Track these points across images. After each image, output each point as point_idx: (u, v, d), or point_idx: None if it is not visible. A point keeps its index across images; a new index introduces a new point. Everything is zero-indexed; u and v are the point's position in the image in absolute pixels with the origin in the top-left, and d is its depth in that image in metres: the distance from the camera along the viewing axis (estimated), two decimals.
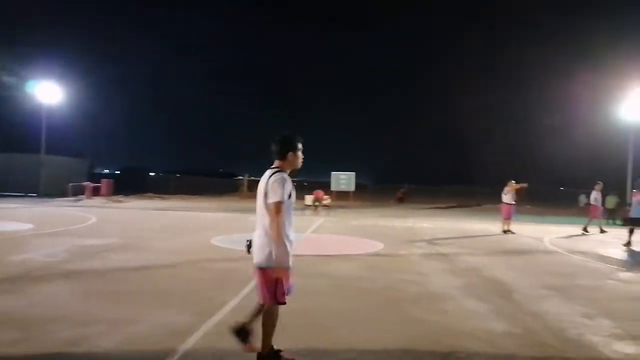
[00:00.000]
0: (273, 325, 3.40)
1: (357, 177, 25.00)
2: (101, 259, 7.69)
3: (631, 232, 11.56)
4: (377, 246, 10.34)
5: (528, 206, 27.33)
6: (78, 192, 26.48)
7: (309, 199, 21.03)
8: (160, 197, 29.71)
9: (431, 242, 11.48)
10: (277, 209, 3.17)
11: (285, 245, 3.23)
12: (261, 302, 3.39)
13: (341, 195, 27.33)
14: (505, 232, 13.89)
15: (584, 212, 25.28)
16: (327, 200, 20.92)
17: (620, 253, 10.60)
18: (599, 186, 14.77)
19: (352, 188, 24.88)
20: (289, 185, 3.25)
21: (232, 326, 3.49)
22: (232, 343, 3.95)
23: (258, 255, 3.32)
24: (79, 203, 22.79)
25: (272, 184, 3.21)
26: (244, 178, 35.32)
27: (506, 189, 14.35)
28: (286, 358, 3.47)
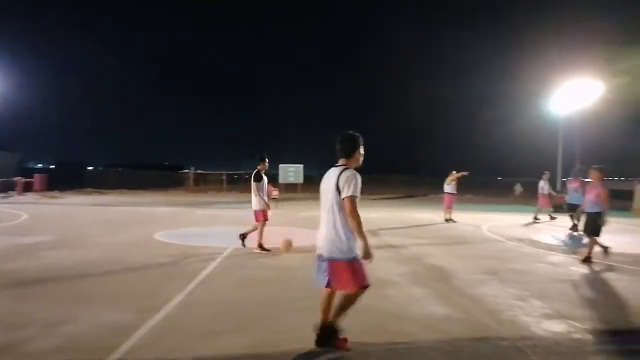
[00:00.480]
0: (349, 307, 3.65)
1: (305, 169, 25.07)
2: (34, 257, 7.26)
3: (572, 217, 12.34)
4: None
5: (469, 195, 28.57)
6: (8, 187, 24.77)
7: None
8: (99, 192, 28.36)
9: (378, 231, 11.74)
10: (352, 203, 3.40)
11: (353, 235, 3.43)
12: (339, 290, 3.59)
13: (290, 188, 27.33)
14: (447, 220, 14.45)
15: (519, 200, 26.85)
16: (275, 192, 20.84)
17: (550, 238, 11.33)
18: (546, 176, 15.66)
19: (301, 180, 24.89)
20: (360, 181, 3.47)
21: (317, 329, 3.71)
22: (177, 339, 3.88)
23: (329, 249, 3.49)
24: (9, 199, 21.34)
25: (345, 180, 3.42)
26: (190, 171, 34.39)
27: (448, 179, 14.92)
28: (340, 338, 3.70)
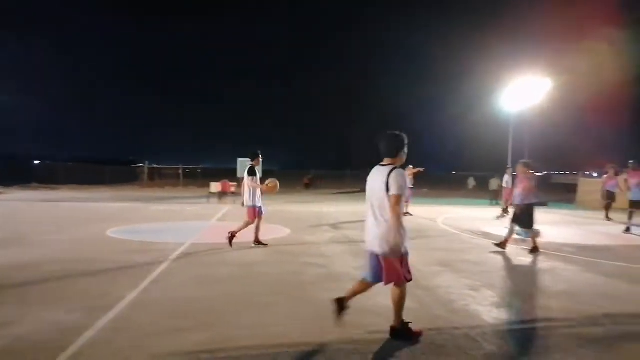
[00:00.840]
0: (404, 301, 3.85)
1: (264, 163, 24.84)
2: None
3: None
4: (284, 232, 10.43)
5: (425, 189, 29.28)
6: None
7: (214, 186, 20.52)
8: (48, 188, 27.05)
9: (336, 226, 11.84)
10: (397, 201, 3.55)
11: (402, 232, 3.58)
12: (388, 283, 3.74)
13: None
14: (404, 214, 14.75)
15: (472, 194, 27.79)
16: (233, 188, 20.57)
17: (502, 230, 11.80)
18: (509, 170, 16.25)
19: (260, 174, 24.75)
20: (407, 180, 3.70)
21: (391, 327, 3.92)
22: (130, 339, 3.77)
23: (380, 244, 3.61)
24: None
25: (394, 179, 3.55)
26: (144, 166, 33.35)
27: (405, 173, 15.24)
28: (414, 330, 3.90)
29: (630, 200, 11.55)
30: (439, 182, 36.76)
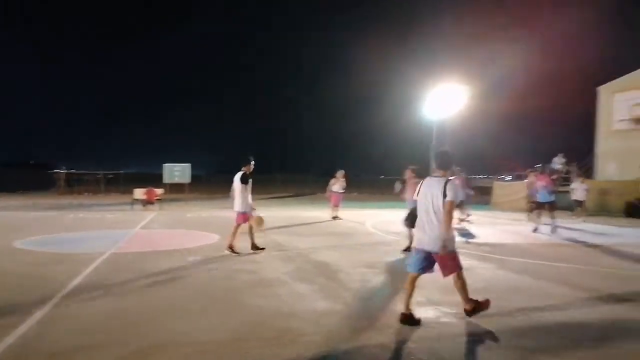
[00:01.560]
0: (466, 285, 4.54)
1: (193, 168, 24.08)
2: None
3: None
4: (213, 238, 10.18)
5: (354, 193, 29.95)
6: None
7: (138, 192, 19.54)
8: None
9: (266, 231, 11.75)
10: (451, 207, 4.23)
11: (454, 232, 4.43)
12: (448, 276, 4.47)
13: (177, 188, 26.16)
14: (334, 218, 14.99)
15: (400, 198, 28.80)
16: (159, 194, 19.73)
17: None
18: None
19: (188, 180, 23.86)
20: (460, 190, 4.58)
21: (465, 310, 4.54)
22: (39, 358, 3.49)
23: (437, 244, 4.26)
24: None
25: (450, 188, 4.25)
26: (61, 171, 31.01)
27: (333, 179, 15.51)
28: (482, 302, 4.55)
29: (537, 202, 12.55)
30: (368, 186, 37.76)
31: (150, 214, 16.20)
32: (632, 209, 16.69)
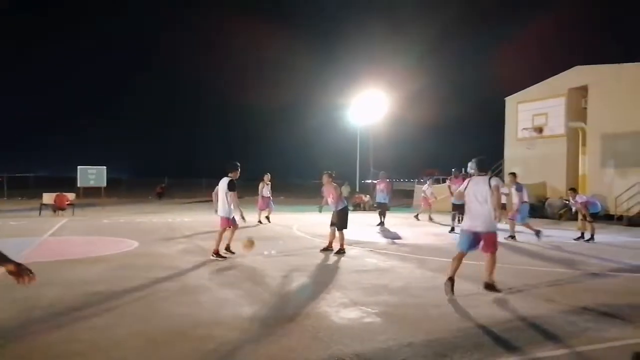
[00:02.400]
0: (495, 264, 5.91)
1: (110, 171, 22.68)
2: None
3: (380, 214, 14.56)
4: (131, 245, 9.67)
5: (282, 197, 29.92)
6: None
7: (47, 197, 18.02)
8: None
9: (190, 236, 11.39)
10: (498, 190, 5.69)
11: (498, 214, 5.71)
12: (490, 252, 5.81)
13: (93, 192, 24.50)
14: (260, 222, 14.86)
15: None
16: (71, 199, 18.31)
17: (351, 234, 12.63)
18: (430, 181, 17.54)
19: (104, 183, 22.40)
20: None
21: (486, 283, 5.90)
22: None
23: (488, 226, 5.66)
24: None
25: (494, 180, 5.74)
26: None
27: (262, 183, 15.41)
28: (496, 290, 5.83)
29: (453, 204, 13.33)
30: (297, 190, 37.94)
31: (62, 220, 15.06)
32: (534, 210, 18.28)
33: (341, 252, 8.83)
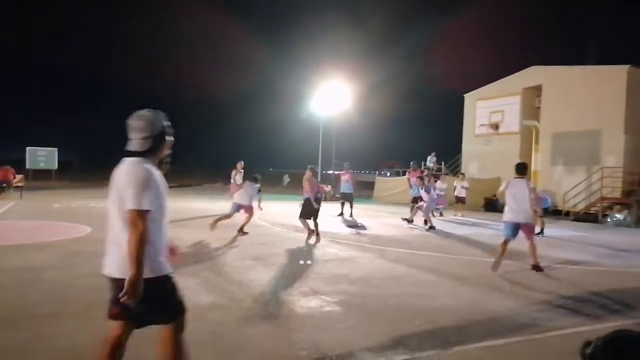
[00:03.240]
0: (536, 247, 7.12)
1: (63, 153, 21.70)
2: None
3: (342, 204, 14.96)
4: (84, 230, 9.31)
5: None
6: None
7: None
8: None
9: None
10: (535, 189, 7.16)
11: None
12: (529, 239, 7.00)
13: (43, 175, 23.35)
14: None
15: (287, 190, 29.18)
16: (19, 180, 17.41)
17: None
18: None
19: (55, 166, 21.46)
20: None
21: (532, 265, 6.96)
22: None
23: (526, 217, 6.87)
24: None
25: (533, 186, 7.10)
26: None
27: (234, 171, 15.23)
28: (540, 270, 6.91)
29: (413, 197, 13.59)
30: (262, 178, 37.62)
31: (8, 203, 14.28)
32: (489, 204, 18.94)
33: (308, 238, 9.41)
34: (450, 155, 24.78)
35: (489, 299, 5.32)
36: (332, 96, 22.73)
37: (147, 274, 2.34)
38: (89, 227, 9.66)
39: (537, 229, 11.73)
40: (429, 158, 22.58)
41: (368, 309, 4.75)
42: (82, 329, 3.82)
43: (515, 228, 6.92)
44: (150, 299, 2.35)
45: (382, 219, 14.85)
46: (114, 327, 2.47)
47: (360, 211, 16.74)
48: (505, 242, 6.96)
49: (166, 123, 2.62)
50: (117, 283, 2.35)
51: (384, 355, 3.52)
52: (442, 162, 23.47)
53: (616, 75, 17.14)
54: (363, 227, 12.21)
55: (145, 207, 2.33)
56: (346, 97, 23.14)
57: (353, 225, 12.62)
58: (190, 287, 5.29)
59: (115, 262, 2.40)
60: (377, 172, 30.23)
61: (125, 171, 2.43)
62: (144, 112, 2.56)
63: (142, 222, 2.30)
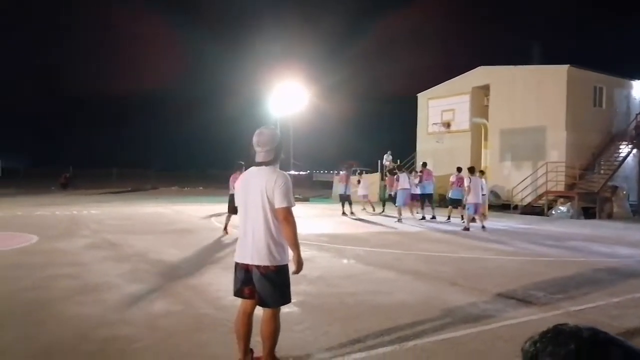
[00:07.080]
0: None
1: (5, 160, 20.48)
2: None
3: (342, 205, 15.41)
4: (29, 239, 8.82)
5: (200, 188, 29.02)
6: None
7: None
8: None
9: (97, 229, 10.63)
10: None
11: None
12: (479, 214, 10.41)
13: None
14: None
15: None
16: None
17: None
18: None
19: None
20: None
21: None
22: None
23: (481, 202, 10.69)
24: None
25: (469, 182, 10.79)
26: None
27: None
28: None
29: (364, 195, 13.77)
30: (216, 180, 36.98)
31: None
32: (443, 200, 19.49)
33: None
34: (405, 153, 25.29)
35: (444, 293, 5.45)
36: (288, 96, 22.68)
37: (281, 261, 3.13)
38: (35, 236, 9.16)
39: (464, 222, 12.35)
40: (385, 157, 22.96)
41: (326, 309, 4.75)
42: (21, 345, 3.61)
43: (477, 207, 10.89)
44: (281, 282, 3.16)
45: (340, 217, 14.94)
46: (247, 304, 3.25)
47: (319, 211, 16.80)
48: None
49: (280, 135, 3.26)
50: (249, 269, 3.07)
51: (341, 355, 3.54)
52: (398, 161, 23.95)
53: (557, 74, 18.08)
54: (319, 227, 12.24)
55: (293, 204, 3.08)
56: (303, 97, 23.15)
57: (311, 225, 12.63)
58: (140, 295, 5.12)
59: (249, 252, 3.06)
60: (335, 172, 30.42)
61: (266, 178, 3.03)
62: (265, 129, 3.20)
63: (292, 216, 3.07)
